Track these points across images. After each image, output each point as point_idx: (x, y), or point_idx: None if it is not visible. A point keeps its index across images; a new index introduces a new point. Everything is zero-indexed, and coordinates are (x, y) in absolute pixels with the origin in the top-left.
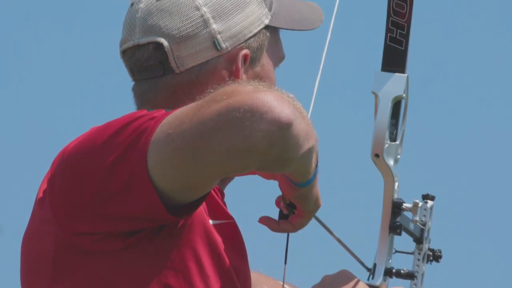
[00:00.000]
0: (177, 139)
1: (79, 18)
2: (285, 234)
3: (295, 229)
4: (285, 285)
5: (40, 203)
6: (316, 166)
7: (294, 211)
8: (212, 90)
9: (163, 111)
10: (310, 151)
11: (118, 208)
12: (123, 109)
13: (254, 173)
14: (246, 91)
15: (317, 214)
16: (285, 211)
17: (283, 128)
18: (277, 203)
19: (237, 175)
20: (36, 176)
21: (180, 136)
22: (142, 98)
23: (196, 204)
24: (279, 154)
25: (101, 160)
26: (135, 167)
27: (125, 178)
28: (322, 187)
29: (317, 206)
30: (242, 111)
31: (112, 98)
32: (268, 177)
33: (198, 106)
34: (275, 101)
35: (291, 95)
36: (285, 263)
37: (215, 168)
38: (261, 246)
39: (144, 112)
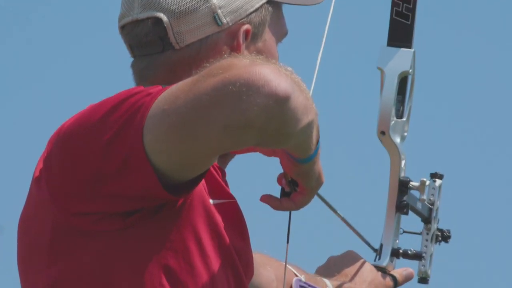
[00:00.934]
0: (172, 115)
1: (80, 18)
2: (288, 213)
3: (297, 207)
4: (289, 267)
5: (36, 183)
6: (318, 142)
7: (296, 188)
8: (208, 64)
9: (160, 87)
10: (310, 125)
11: (116, 186)
12: None
13: (254, 150)
14: (242, 65)
15: (323, 194)
16: (287, 189)
17: (280, 102)
18: (279, 180)
19: (237, 152)
20: None
21: (175, 111)
22: (141, 74)
23: (194, 182)
24: (277, 128)
25: (98, 137)
26: (131, 145)
27: (122, 155)
28: (327, 166)
29: (319, 182)
30: (238, 85)
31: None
32: (268, 153)
33: (193, 81)
34: (272, 74)
35: (290, 69)
36: (287, 242)
37: (212, 144)
38: (263, 225)
39: (141, 88)
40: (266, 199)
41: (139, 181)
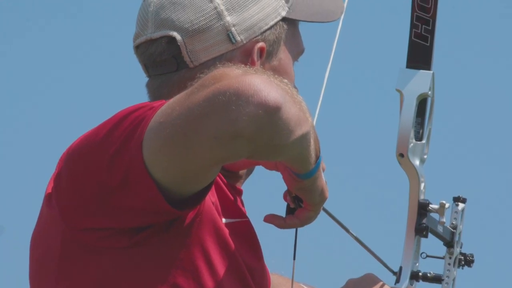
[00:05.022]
0: (167, 127)
1: (84, 19)
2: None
3: (302, 224)
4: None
5: (47, 200)
6: (318, 157)
7: (301, 204)
8: (202, 75)
9: (163, 101)
10: (304, 137)
11: (120, 200)
12: None
13: (257, 164)
14: (234, 75)
15: (342, 216)
16: (291, 205)
17: (270, 112)
18: (285, 197)
19: (236, 167)
20: (36, 176)
21: (170, 124)
22: (155, 94)
23: (199, 197)
24: (269, 139)
25: (103, 153)
26: (132, 158)
27: (124, 169)
28: (347, 187)
29: (323, 198)
30: (227, 95)
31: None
32: (270, 167)
33: (188, 92)
34: (262, 84)
35: (285, 80)
36: (294, 258)
37: (206, 155)
38: (280, 246)
39: (146, 103)
40: (270, 219)
41: (141, 195)
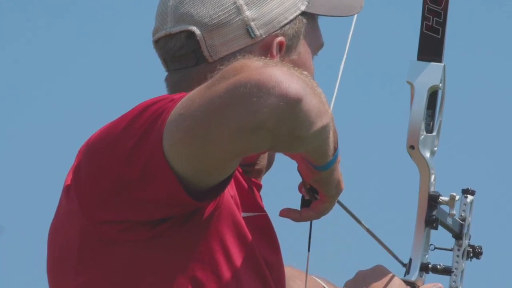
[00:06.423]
0: (187, 119)
1: (88, 20)
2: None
3: (318, 216)
4: (318, 280)
5: (66, 193)
6: (336, 148)
7: (316, 196)
8: (222, 67)
9: (184, 93)
10: (324, 129)
11: (140, 193)
12: None
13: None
14: (254, 67)
15: (352, 208)
16: (306, 197)
17: (291, 103)
18: (300, 188)
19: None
20: (36, 176)
21: (190, 115)
22: (174, 88)
23: (219, 189)
24: (289, 131)
25: (122, 145)
26: (152, 150)
27: (144, 161)
28: (357, 180)
29: (339, 190)
30: (249, 86)
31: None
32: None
33: (208, 84)
34: (283, 75)
35: (305, 73)
36: (308, 250)
37: (226, 147)
38: (292, 238)
39: (166, 96)
40: (286, 213)
41: (161, 186)
